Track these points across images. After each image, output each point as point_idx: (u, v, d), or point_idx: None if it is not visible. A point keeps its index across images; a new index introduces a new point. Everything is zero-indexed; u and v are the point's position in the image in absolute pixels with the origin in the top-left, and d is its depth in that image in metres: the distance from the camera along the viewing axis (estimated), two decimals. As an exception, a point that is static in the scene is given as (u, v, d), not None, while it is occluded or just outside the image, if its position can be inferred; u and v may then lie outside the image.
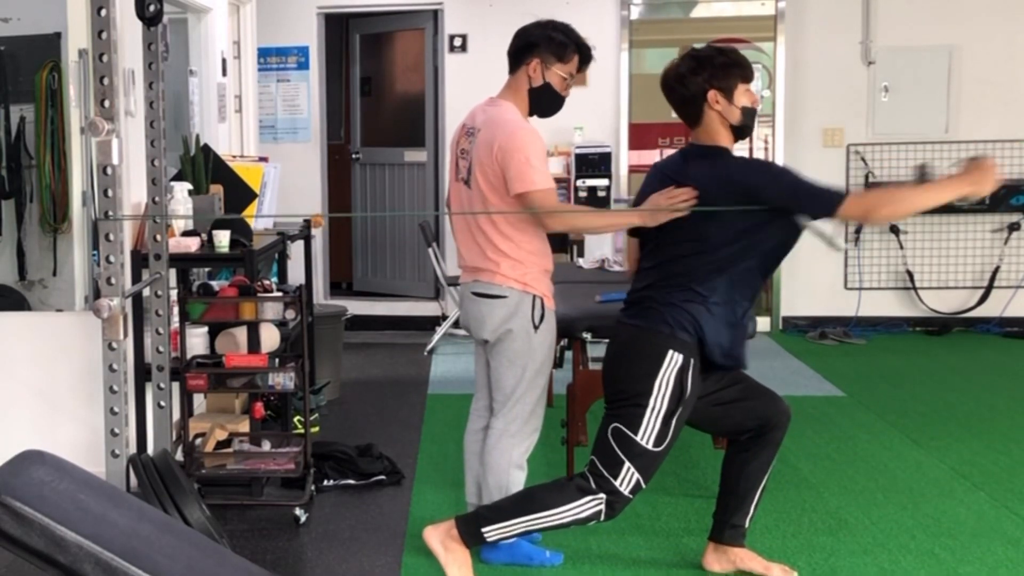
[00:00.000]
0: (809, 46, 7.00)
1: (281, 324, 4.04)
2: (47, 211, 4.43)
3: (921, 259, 7.05)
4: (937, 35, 6.88)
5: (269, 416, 4.45)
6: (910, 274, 7.02)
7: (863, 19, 6.93)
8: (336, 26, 8.07)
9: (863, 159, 6.95)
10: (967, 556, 3.37)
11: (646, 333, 2.98)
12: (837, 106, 6.98)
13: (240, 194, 4.46)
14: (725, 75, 2.94)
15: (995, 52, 6.87)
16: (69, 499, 1.91)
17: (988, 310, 6.95)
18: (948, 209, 6.89)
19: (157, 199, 3.54)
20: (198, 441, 3.84)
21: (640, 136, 7.16)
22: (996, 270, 6.94)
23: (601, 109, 6.97)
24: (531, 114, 3.33)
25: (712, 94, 2.94)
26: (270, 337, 3.88)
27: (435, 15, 7.30)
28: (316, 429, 4.72)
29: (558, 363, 4.64)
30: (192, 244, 3.89)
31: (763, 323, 6.86)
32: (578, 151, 6.77)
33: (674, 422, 2.96)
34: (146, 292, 3.75)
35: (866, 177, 6.93)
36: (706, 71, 2.94)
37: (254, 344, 3.73)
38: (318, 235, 6.71)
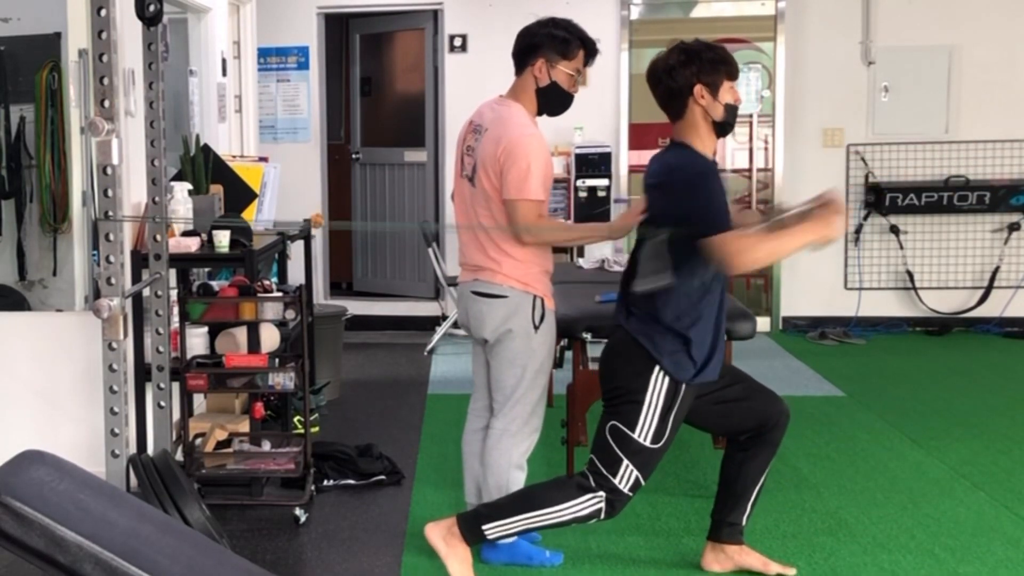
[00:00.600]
0: (809, 46, 7.00)
1: (281, 324, 4.04)
2: (47, 211, 4.43)
3: (921, 259, 7.04)
4: (937, 35, 6.88)
5: (269, 416, 4.45)
6: (910, 274, 7.02)
7: (863, 19, 6.93)
8: (336, 26, 8.07)
9: (863, 159, 6.95)
10: (967, 556, 3.37)
11: (639, 333, 2.99)
12: (837, 106, 6.98)
13: (240, 194, 4.47)
14: (713, 70, 2.93)
15: (995, 52, 6.87)
16: (69, 499, 1.91)
17: (988, 310, 6.95)
18: (948, 209, 6.91)
19: (157, 199, 3.55)
20: (198, 441, 3.84)
21: (640, 136, 7.16)
22: (996, 270, 6.94)
23: (601, 109, 6.97)
24: (540, 113, 3.32)
25: (698, 88, 2.93)
26: (270, 337, 3.88)
27: (435, 15, 7.30)
28: (316, 429, 4.72)
29: (558, 363, 4.64)
30: (192, 244, 3.89)
31: (763, 323, 6.86)
32: (578, 151, 6.77)
33: (671, 419, 2.96)
34: (146, 292, 3.75)
35: (866, 177, 6.94)
36: (695, 65, 2.93)
37: (254, 344, 3.74)
38: (318, 235, 6.70)
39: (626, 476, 2.97)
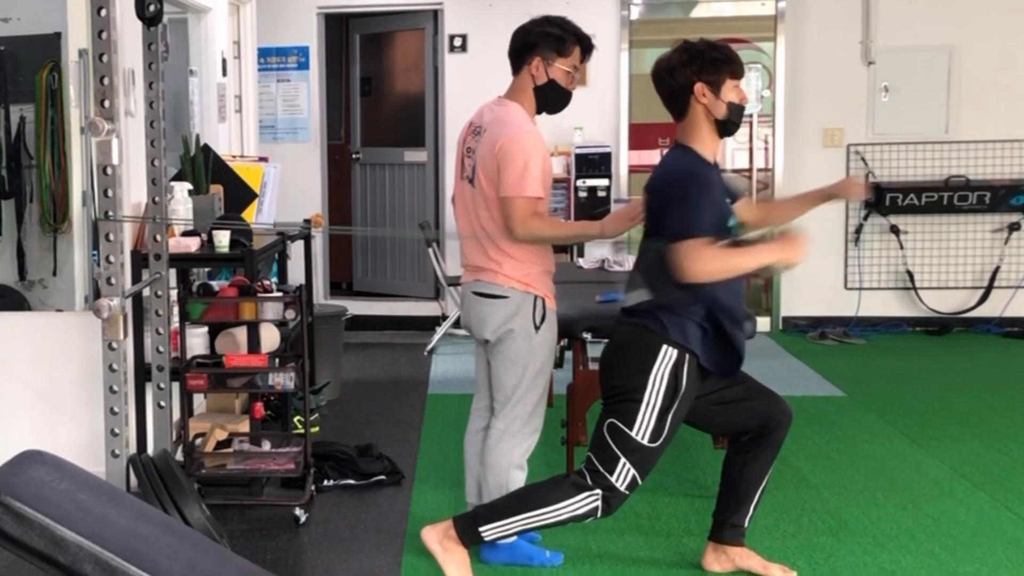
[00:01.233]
0: (809, 46, 7.00)
1: (281, 324, 4.04)
2: (47, 211, 4.43)
3: (921, 259, 7.04)
4: (937, 35, 6.88)
5: (269, 416, 4.45)
6: (910, 274, 7.02)
7: (863, 19, 6.93)
8: (336, 26, 8.07)
9: (863, 159, 6.95)
10: (967, 556, 3.37)
11: (641, 329, 2.99)
12: (837, 106, 6.98)
13: (240, 194, 4.47)
14: (714, 69, 2.93)
15: (995, 52, 6.87)
16: (69, 499, 1.91)
17: (988, 310, 6.95)
18: (948, 209, 6.91)
19: (157, 199, 3.55)
20: (198, 441, 3.84)
21: (640, 136, 7.16)
22: (996, 270, 6.94)
23: (601, 109, 6.97)
24: (539, 112, 3.32)
25: (699, 87, 2.93)
26: (270, 337, 3.88)
27: (435, 15, 7.30)
28: (316, 429, 4.72)
29: (558, 363, 4.64)
30: (192, 244, 3.89)
31: (763, 323, 6.87)
32: (578, 151, 6.77)
33: (669, 418, 2.96)
34: (146, 292, 3.75)
35: (866, 177, 6.93)
36: (696, 63, 2.93)
37: (254, 344, 3.74)
38: (318, 235, 6.70)
39: (623, 474, 2.96)
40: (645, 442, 2.96)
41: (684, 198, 2.84)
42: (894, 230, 6.99)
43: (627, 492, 2.99)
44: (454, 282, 6.37)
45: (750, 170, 7.33)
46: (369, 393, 5.61)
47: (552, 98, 3.30)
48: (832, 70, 6.98)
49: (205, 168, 4.29)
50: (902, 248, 7.03)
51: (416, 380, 5.89)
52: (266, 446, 3.85)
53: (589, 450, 3.05)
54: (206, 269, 4.54)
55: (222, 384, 3.70)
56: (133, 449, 3.59)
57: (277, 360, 3.70)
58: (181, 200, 3.95)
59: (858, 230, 7.02)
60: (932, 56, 6.90)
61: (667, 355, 2.94)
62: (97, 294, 3.57)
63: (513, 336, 3.23)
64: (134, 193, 3.86)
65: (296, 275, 5.14)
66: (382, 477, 4.12)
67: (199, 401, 4.33)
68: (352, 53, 8.07)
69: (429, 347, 6.60)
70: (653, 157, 7.05)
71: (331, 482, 4.06)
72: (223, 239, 3.87)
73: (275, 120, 7.34)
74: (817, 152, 7.01)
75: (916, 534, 3.55)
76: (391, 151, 7.76)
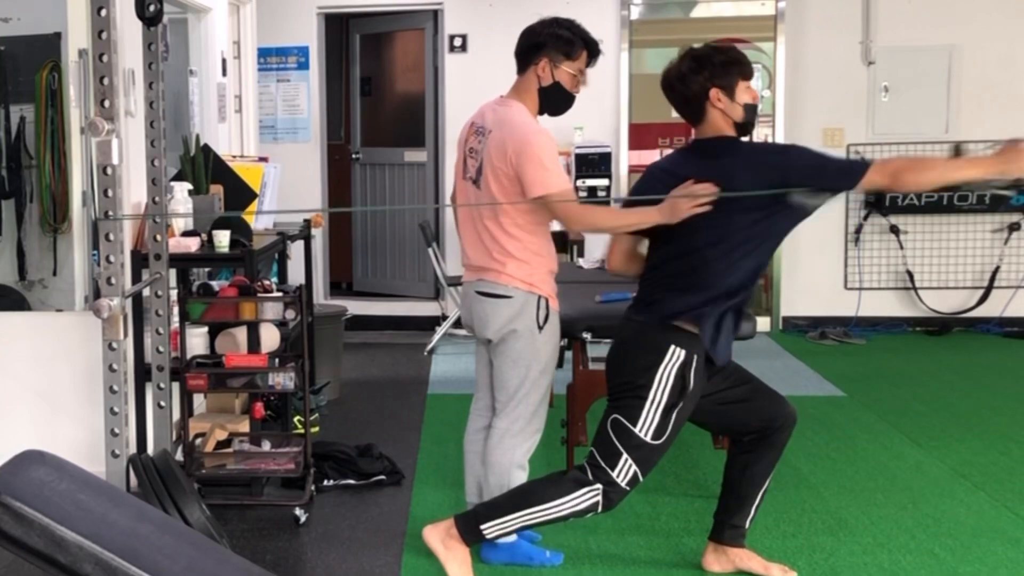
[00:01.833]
0: (809, 46, 7.00)
1: (281, 324, 4.04)
2: (47, 211, 4.43)
3: (921, 259, 7.04)
4: (937, 35, 6.88)
5: (269, 416, 4.45)
6: (910, 274, 7.02)
7: (863, 19, 6.93)
8: (336, 26, 8.07)
9: (863, 159, 6.94)
10: (967, 556, 3.37)
11: (651, 327, 2.99)
12: (837, 106, 6.98)
13: (240, 194, 4.46)
14: (725, 73, 2.95)
15: (995, 52, 6.87)
16: (69, 499, 1.91)
17: (988, 310, 6.95)
18: (948, 209, 6.91)
19: (157, 199, 3.55)
20: (198, 441, 3.84)
21: (640, 136, 7.16)
22: (996, 270, 6.94)
23: (601, 109, 6.97)
24: (541, 113, 3.32)
25: (714, 92, 2.95)
26: (270, 337, 3.88)
27: (435, 15, 7.30)
28: (316, 429, 4.72)
29: (558, 363, 4.63)
30: (192, 244, 3.89)
31: (763, 323, 6.86)
32: (578, 151, 6.77)
33: (674, 416, 2.96)
34: (146, 292, 3.75)
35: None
36: (707, 70, 2.95)
37: (254, 344, 3.74)
38: (318, 235, 6.70)
39: (624, 470, 2.97)
40: (648, 439, 2.96)
41: (805, 151, 2.97)
42: (894, 230, 6.99)
43: (627, 488, 2.99)
44: (454, 282, 6.38)
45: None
46: (369, 393, 5.61)
47: (555, 100, 3.30)
48: (832, 70, 6.98)
49: (205, 168, 4.29)
50: (902, 248, 7.03)
51: (416, 380, 5.89)
52: (266, 446, 3.85)
53: (591, 446, 3.06)
54: (206, 269, 4.54)
55: (222, 384, 3.70)
56: (133, 449, 3.59)
57: (277, 360, 3.70)
58: (181, 200, 3.95)
59: (858, 230, 7.03)
60: (932, 56, 6.90)
61: (675, 355, 2.94)
62: (97, 294, 3.57)
63: (516, 336, 3.23)
64: (134, 193, 3.86)
65: (296, 275, 5.13)
66: (382, 477, 4.12)
67: (199, 401, 4.33)
68: (352, 53, 8.07)
69: (429, 347, 6.60)
70: (653, 157, 7.03)
71: (331, 482, 4.05)
72: (223, 239, 3.87)
73: (275, 120, 7.35)
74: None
75: (916, 534, 3.55)
76: (391, 151, 7.76)
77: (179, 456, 3.72)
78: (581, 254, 6.50)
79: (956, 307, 6.99)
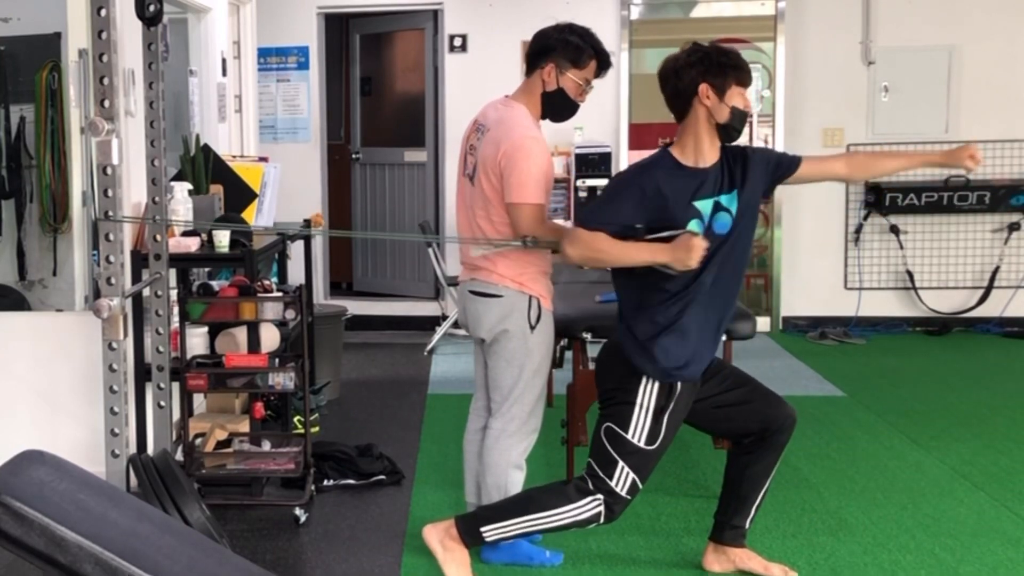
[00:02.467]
0: (809, 46, 7.00)
1: (281, 324, 4.04)
2: (47, 211, 4.43)
3: (921, 259, 7.04)
4: (937, 35, 6.88)
5: (269, 416, 4.45)
6: (910, 274, 7.02)
7: (863, 19, 6.93)
8: (336, 26, 8.07)
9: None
10: (967, 556, 3.37)
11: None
12: (837, 106, 6.98)
13: (240, 194, 4.47)
14: (720, 72, 2.90)
15: (995, 52, 6.87)
16: (69, 499, 1.91)
17: (988, 310, 6.95)
18: (948, 209, 6.91)
19: (157, 199, 3.55)
20: (198, 441, 3.84)
21: (640, 136, 7.15)
22: (996, 270, 6.94)
23: (601, 109, 6.96)
24: (543, 117, 3.31)
25: (704, 88, 2.89)
26: (270, 337, 3.88)
27: (435, 15, 7.29)
28: (316, 429, 4.72)
29: (558, 363, 4.64)
30: (192, 244, 3.89)
31: (763, 323, 6.86)
32: (578, 151, 6.77)
33: (665, 420, 2.96)
34: (146, 292, 3.75)
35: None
36: (703, 64, 2.90)
37: (254, 344, 3.74)
38: (318, 235, 6.70)
39: (622, 478, 2.96)
40: (642, 444, 2.95)
41: (609, 193, 2.97)
42: (894, 230, 6.99)
43: (628, 497, 2.99)
44: (454, 282, 6.36)
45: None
46: (369, 393, 5.61)
47: (558, 106, 3.28)
48: (832, 70, 6.98)
49: (205, 168, 4.30)
50: (902, 248, 7.03)
51: (416, 380, 5.89)
52: (266, 446, 3.85)
53: (589, 455, 3.05)
54: (206, 269, 4.54)
55: (222, 384, 3.70)
56: (133, 449, 3.59)
57: (277, 360, 3.70)
58: (181, 200, 3.95)
59: (858, 230, 7.03)
60: (932, 56, 6.90)
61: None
62: (97, 294, 3.57)
63: (509, 336, 3.23)
64: (134, 193, 3.86)
65: (296, 275, 5.14)
66: (382, 477, 4.12)
67: (199, 401, 4.33)
68: (352, 53, 8.07)
69: (429, 347, 6.60)
70: (653, 157, 7.04)
71: (331, 482, 4.05)
72: (223, 239, 3.87)
73: (275, 120, 7.34)
74: (817, 152, 6.99)
75: (916, 534, 3.55)
76: (391, 151, 7.76)
77: (179, 456, 3.72)
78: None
79: (956, 307, 6.99)
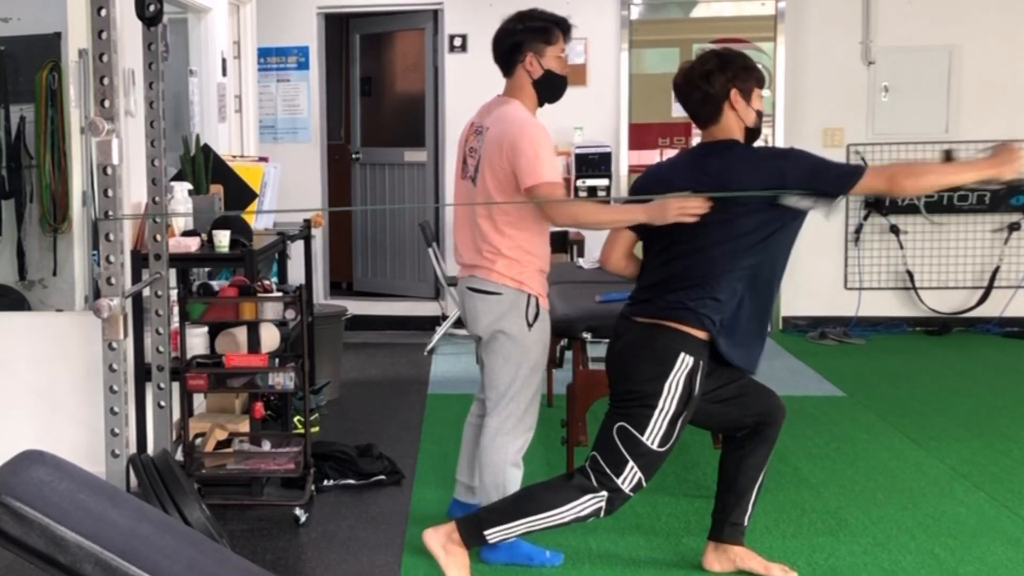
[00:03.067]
0: (809, 46, 7.00)
1: (281, 324, 4.04)
2: (47, 211, 4.43)
3: (921, 259, 7.04)
4: (937, 35, 6.88)
5: (269, 416, 4.45)
6: (910, 274, 7.02)
7: (863, 19, 6.93)
8: (336, 26, 8.07)
9: (863, 159, 6.95)
10: (967, 556, 3.37)
11: (657, 331, 2.98)
12: (837, 106, 6.98)
13: (240, 194, 4.47)
14: (747, 77, 3.01)
15: (995, 52, 6.87)
16: (69, 499, 1.91)
17: (988, 310, 6.95)
18: (948, 209, 6.91)
19: (157, 199, 3.55)
20: (198, 441, 3.84)
21: (640, 136, 7.16)
22: (996, 270, 6.94)
23: (601, 109, 6.97)
24: (541, 104, 3.35)
25: (734, 93, 2.99)
26: (270, 337, 3.88)
27: (435, 15, 7.30)
28: (316, 429, 4.72)
29: (558, 363, 4.64)
30: (192, 244, 3.89)
31: (763, 323, 6.86)
32: (578, 151, 6.77)
33: (680, 423, 2.98)
34: (146, 292, 3.75)
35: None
36: (731, 70, 3.00)
37: (254, 344, 3.73)
38: (318, 235, 6.70)
39: (630, 477, 2.97)
40: (655, 447, 2.97)
41: (804, 156, 2.99)
42: (894, 230, 6.99)
43: (631, 494, 3.00)
44: (454, 282, 6.34)
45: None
46: (369, 393, 5.61)
47: (552, 87, 3.33)
48: (832, 70, 6.98)
49: (205, 168, 4.29)
50: (902, 248, 7.03)
51: (416, 380, 5.89)
52: (266, 446, 3.85)
53: (594, 450, 3.05)
54: (206, 269, 4.54)
55: (222, 384, 3.70)
56: (133, 449, 3.59)
57: (277, 360, 3.70)
58: (181, 200, 3.96)
59: (858, 230, 7.03)
60: (932, 56, 6.90)
61: (684, 362, 2.95)
62: (97, 294, 3.57)
63: (505, 334, 3.25)
64: (134, 193, 3.86)
65: (296, 275, 5.13)
66: (382, 477, 4.12)
67: (199, 401, 4.33)
68: (352, 53, 8.07)
69: (429, 347, 6.59)
70: (653, 157, 7.05)
71: (331, 482, 4.06)
72: (223, 239, 3.87)
73: (275, 120, 7.34)
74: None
75: (916, 534, 3.56)
76: (391, 151, 7.76)
77: (179, 456, 3.72)
78: (581, 254, 6.50)
79: (956, 307, 6.99)
